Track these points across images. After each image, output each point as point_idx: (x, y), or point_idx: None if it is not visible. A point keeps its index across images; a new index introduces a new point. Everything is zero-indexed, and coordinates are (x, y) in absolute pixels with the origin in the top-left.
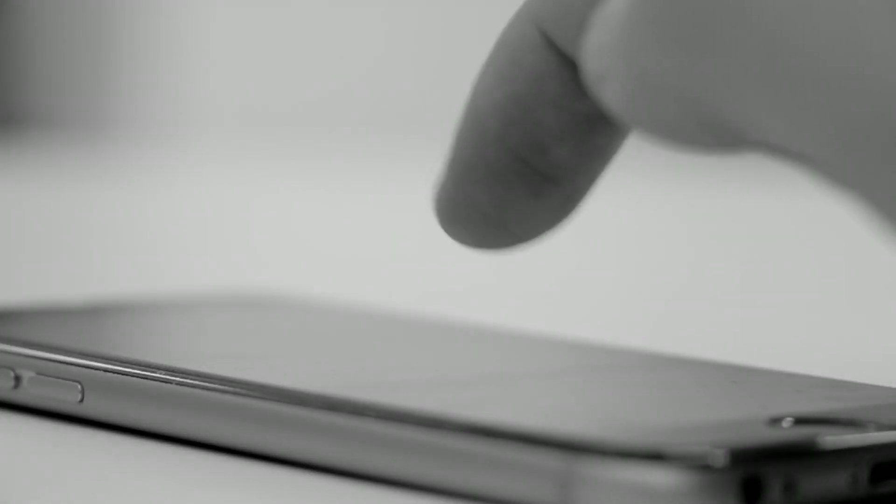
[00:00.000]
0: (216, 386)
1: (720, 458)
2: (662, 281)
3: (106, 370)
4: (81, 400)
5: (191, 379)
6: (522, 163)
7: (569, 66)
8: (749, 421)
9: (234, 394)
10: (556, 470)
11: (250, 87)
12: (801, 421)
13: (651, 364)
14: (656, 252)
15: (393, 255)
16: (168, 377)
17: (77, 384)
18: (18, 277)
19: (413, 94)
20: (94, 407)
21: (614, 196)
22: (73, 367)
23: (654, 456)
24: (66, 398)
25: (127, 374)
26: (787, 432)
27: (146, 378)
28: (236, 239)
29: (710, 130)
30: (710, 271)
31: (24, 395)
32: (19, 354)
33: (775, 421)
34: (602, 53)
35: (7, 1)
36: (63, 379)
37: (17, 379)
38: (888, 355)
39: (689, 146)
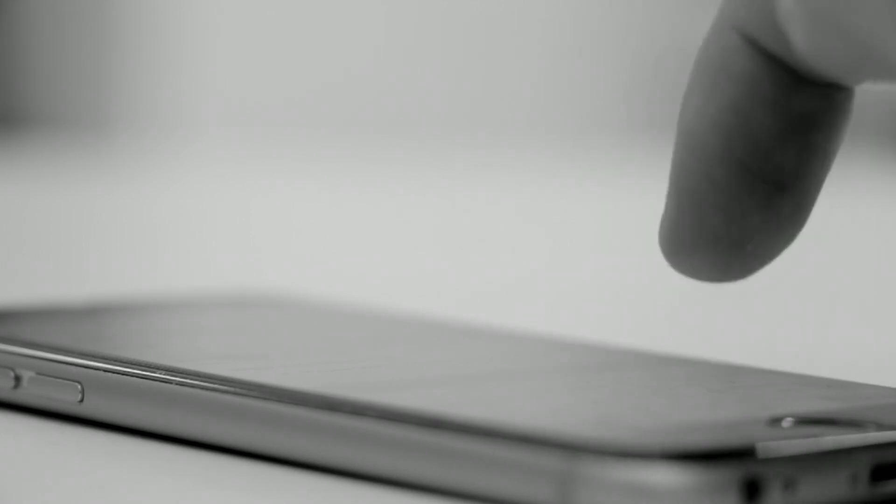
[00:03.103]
0: (216, 386)
1: (720, 459)
2: (662, 281)
3: (106, 370)
4: (81, 400)
5: (191, 379)
6: (749, 173)
7: (777, 63)
8: (749, 421)
9: (234, 394)
10: (556, 470)
11: (251, 87)
12: (801, 421)
13: (650, 364)
14: (656, 252)
15: (393, 255)
16: (168, 377)
17: (77, 384)
18: (18, 277)
19: (414, 95)
20: (94, 407)
21: (615, 196)
22: (73, 367)
23: (654, 456)
24: (66, 398)
25: (127, 374)
26: (787, 432)
27: (146, 378)
28: (236, 239)
29: (874, 65)
30: None
31: (24, 395)
32: (19, 354)
33: (775, 421)
34: None
35: (7, 1)
36: (63, 379)
37: (17, 379)
38: (888, 355)
39: (861, 80)
